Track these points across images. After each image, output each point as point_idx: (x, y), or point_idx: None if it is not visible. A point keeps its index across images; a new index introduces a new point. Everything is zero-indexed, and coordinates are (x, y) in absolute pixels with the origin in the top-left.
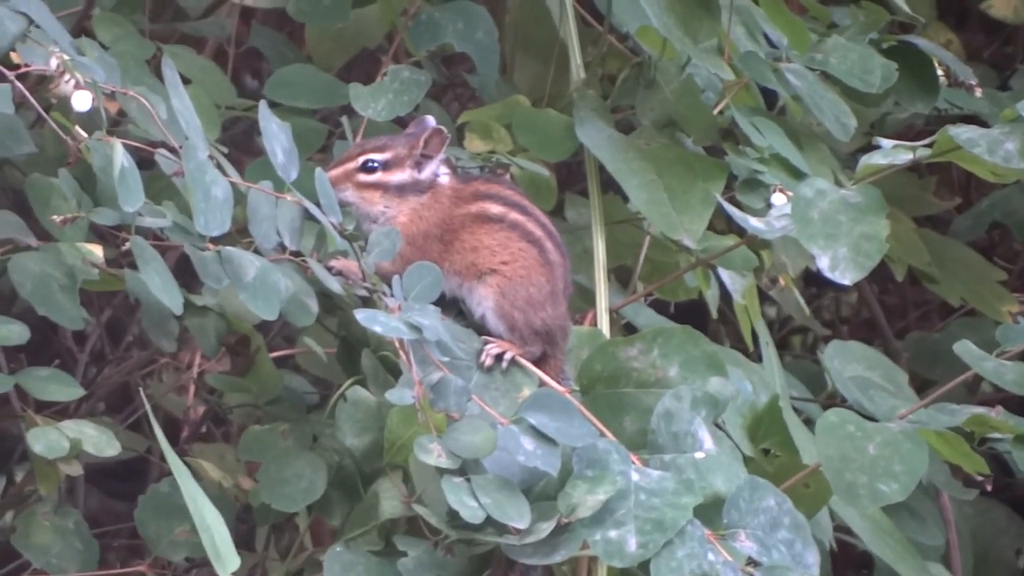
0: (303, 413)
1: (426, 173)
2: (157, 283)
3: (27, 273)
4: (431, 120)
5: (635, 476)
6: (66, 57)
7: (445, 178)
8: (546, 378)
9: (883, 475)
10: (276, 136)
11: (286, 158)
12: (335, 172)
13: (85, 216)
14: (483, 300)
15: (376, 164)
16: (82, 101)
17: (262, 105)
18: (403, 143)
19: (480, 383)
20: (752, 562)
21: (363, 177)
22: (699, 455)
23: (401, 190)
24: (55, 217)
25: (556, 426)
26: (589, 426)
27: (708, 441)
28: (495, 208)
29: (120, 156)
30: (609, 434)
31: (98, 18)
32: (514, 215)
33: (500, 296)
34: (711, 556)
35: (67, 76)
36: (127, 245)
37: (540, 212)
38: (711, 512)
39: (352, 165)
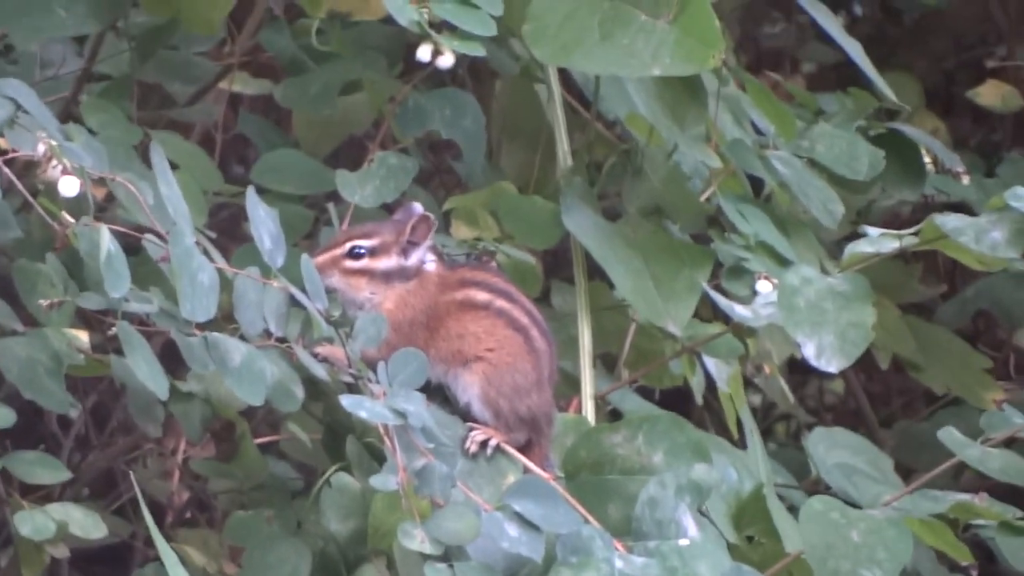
0: (288, 499)
1: (413, 260)
2: (144, 369)
3: (13, 357)
4: (418, 207)
5: (619, 563)
6: (53, 143)
7: (432, 265)
8: (531, 465)
9: (867, 562)
10: (263, 222)
11: (273, 244)
12: (322, 258)
13: (71, 301)
14: (468, 387)
15: (363, 250)
16: (69, 187)
17: (250, 191)
18: (390, 229)
19: (465, 470)
20: None
21: (350, 263)
22: (683, 542)
23: (388, 277)
24: (42, 301)
25: (541, 513)
26: (573, 513)
27: (692, 528)
28: (481, 295)
29: (106, 241)
30: (594, 521)
31: (86, 104)
32: (500, 302)
33: (486, 383)
34: None
35: (54, 162)
36: (113, 331)
37: (526, 299)
38: None
39: (339, 251)
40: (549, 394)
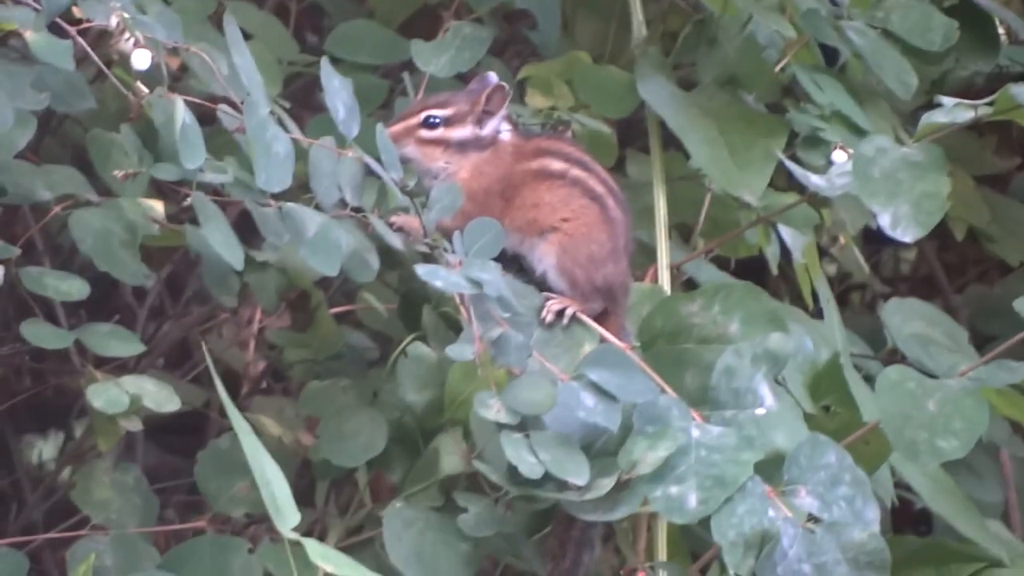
0: (363, 369)
1: (488, 129)
2: (218, 239)
3: (88, 229)
4: (493, 76)
5: (696, 432)
6: (126, 15)
7: (506, 134)
8: (607, 334)
9: (943, 432)
10: (338, 92)
11: (347, 114)
12: (396, 128)
13: (146, 172)
14: (544, 257)
15: (438, 120)
16: (142, 59)
17: (324, 61)
18: (465, 99)
19: (541, 339)
20: (812, 518)
21: (425, 133)
22: (760, 411)
23: (463, 146)
24: (116, 172)
25: (617, 382)
26: (650, 383)
27: (769, 398)
28: (556, 164)
29: (181, 113)
30: (670, 390)
31: None
32: (576, 171)
33: (561, 252)
34: (771, 512)
35: (127, 34)
36: (188, 201)
37: (601, 168)
38: (771, 469)
39: (414, 121)
40: (625, 264)
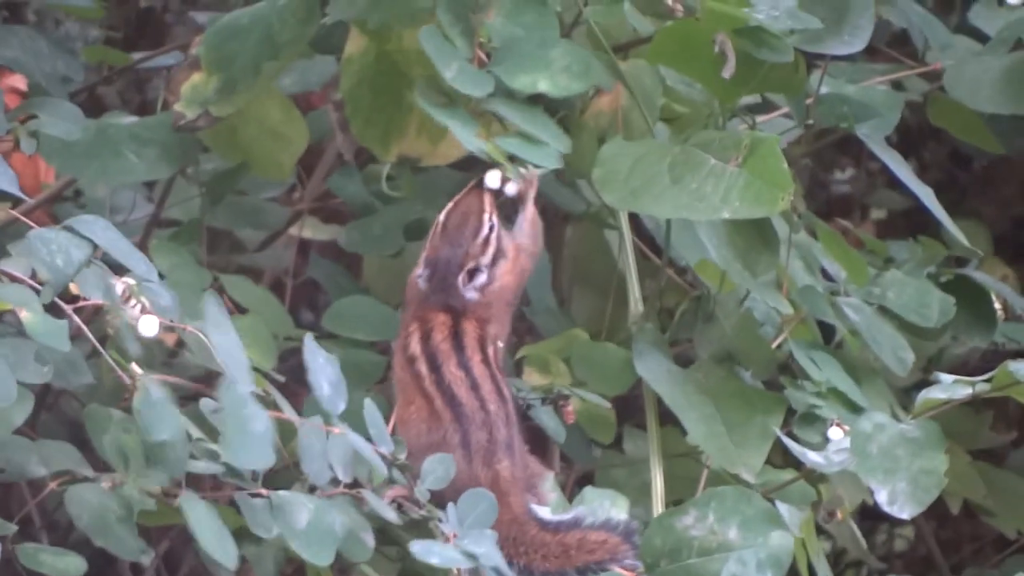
0: None
1: None
2: (210, 542)
3: (84, 505)
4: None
5: None
6: (132, 282)
7: None
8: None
9: None
10: (322, 369)
11: (333, 391)
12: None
13: (132, 481)
14: None
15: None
16: (149, 326)
17: (307, 339)
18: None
19: None
20: None
21: None
22: None
23: None
24: (104, 484)
25: None
26: None
27: None
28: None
29: (153, 391)
30: None
31: (155, 246)
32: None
33: None
34: None
35: (133, 301)
36: (178, 501)
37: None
38: None
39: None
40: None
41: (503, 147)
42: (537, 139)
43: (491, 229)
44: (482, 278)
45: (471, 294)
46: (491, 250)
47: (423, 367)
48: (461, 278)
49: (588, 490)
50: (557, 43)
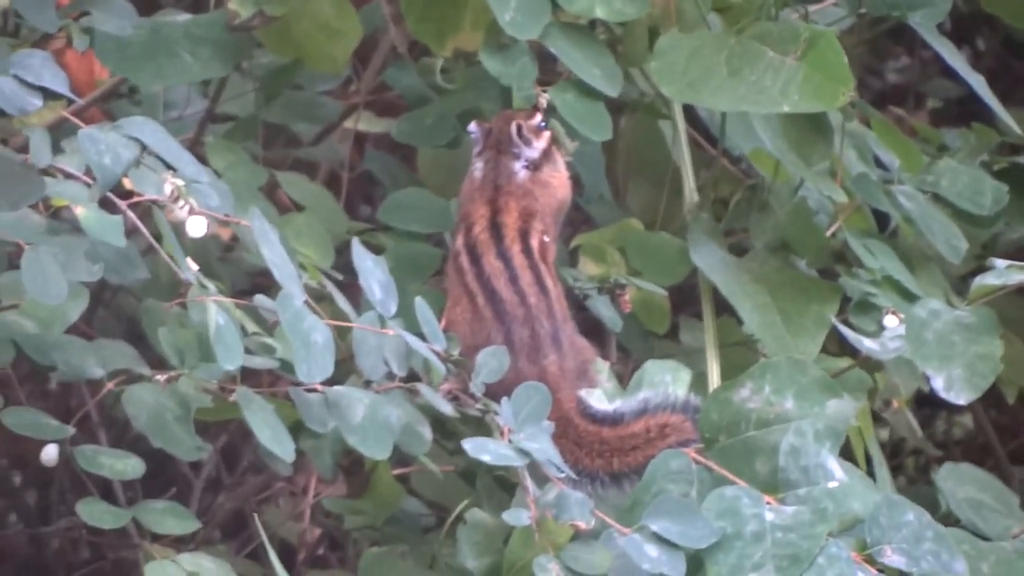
0: (420, 534)
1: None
2: (267, 435)
3: (142, 405)
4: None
5: (769, 516)
6: (180, 183)
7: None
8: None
9: None
10: (372, 272)
11: (383, 293)
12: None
13: (188, 373)
14: None
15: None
16: (197, 227)
17: (354, 242)
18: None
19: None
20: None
21: None
22: (832, 484)
23: None
24: (159, 377)
25: (679, 530)
26: (712, 525)
27: (838, 471)
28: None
29: (214, 316)
30: (741, 483)
31: (211, 145)
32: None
33: None
34: (861, 574)
35: (181, 202)
36: (233, 396)
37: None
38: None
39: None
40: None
41: (557, 101)
42: (592, 92)
43: (543, 123)
44: (533, 150)
45: (521, 172)
46: (544, 137)
47: (465, 260)
48: (514, 129)
49: (650, 363)
50: None
